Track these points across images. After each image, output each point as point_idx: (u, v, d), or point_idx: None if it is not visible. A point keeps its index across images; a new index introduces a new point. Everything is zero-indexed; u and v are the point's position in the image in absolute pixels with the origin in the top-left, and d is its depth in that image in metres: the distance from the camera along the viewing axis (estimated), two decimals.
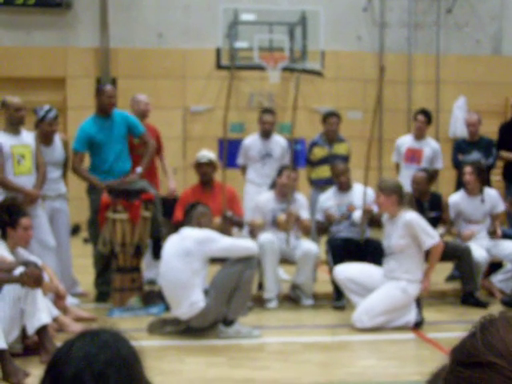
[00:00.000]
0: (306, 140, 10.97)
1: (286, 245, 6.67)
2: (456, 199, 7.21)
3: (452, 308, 6.60)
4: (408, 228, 5.80)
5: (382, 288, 5.87)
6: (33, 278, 4.70)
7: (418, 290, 5.89)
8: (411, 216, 5.83)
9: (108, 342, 1.53)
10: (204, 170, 6.94)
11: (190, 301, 5.47)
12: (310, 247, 6.74)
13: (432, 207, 7.06)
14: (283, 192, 6.86)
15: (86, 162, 7.09)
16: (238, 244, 5.68)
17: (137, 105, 7.50)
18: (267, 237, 6.62)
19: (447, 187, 9.62)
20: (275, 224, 6.80)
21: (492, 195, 7.19)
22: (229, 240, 5.68)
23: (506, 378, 1.01)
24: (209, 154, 7.04)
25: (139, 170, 6.81)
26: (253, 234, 6.80)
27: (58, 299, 5.44)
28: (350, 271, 6.10)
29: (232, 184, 7.42)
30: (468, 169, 7.11)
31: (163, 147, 7.77)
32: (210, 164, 6.93)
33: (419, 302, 5.98)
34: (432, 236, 5.84)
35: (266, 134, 7.85)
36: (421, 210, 6.47)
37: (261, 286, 6.91)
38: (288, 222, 6.70)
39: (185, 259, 5.46)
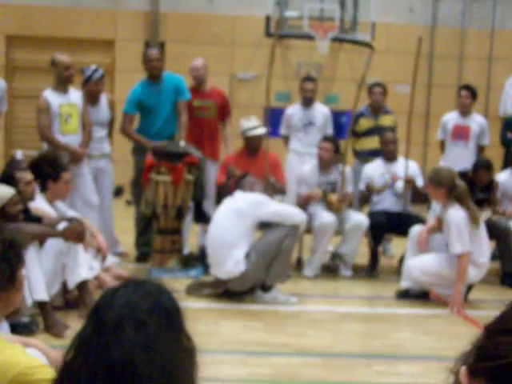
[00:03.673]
0: (352, 112, 10.86)
1: (339, 225, 6.63)
2: (502, 179, 7.07)
3: (491, 287, 6.52)
4: (446, 223, 5.70)
5: (446, 254, 5.77)
6: (75, 233, 4.77)
7: (480, 276, 5.80)
8: (453, 214, 5.64)
9: (151, 291, 1.55)
10: (256, 141, 6.94)
11: (232, 261, 5.53)
12: (360, 219, 6.69)
13: (482, 188, 6.94)
14: (324, 165, 6.83)
15: (135, 124, 7.14)
16: (288, 210, 5.80)
17: (193, 71, 7.39)
18: (329, 218, 6.58)
19: (494, 165, 9.45)
20: (324, 200, 6.75)
21: None
22: (279, 205, 5.84)
23: None
24: (257, 124, 7.01)
25: (182, 143, 6.77)
26: (302, 205, 6.70)
27: (101, 251, 5.50)
28: (422, 264, 5.82)
29: (276, 153, 7.39)
30: None
31: (229, 113, 7.55)
32: (261, 136, 6.94)
33: (471, 285, 5.92)
34: (463, 244, 5.60)
35: (307, 102, 7.81)
36: (472, 190, 6.30)
37: (300, 262, 6.89)
38: (341, 203, 6.67)
39: (235, 219, 5.57)
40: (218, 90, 7.54)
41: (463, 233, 5.61)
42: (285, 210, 5.77)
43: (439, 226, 5.91)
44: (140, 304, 1.51)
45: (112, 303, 1.51)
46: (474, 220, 5.67)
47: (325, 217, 6.56)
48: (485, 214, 6.53)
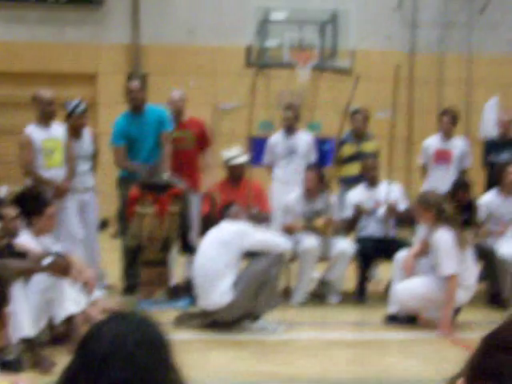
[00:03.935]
0: (335, 139, 10.92)
1: (324, 250, 6.66)
2: (488, 200, 7.12)
3: (479, 309, 6.54)
4: (434, 246, 5.73)
5: (433, 277, 5.79)
6: (60, 268, 4.75)
7: (467, 298, 5.83)
8: (441, 236, 5.69)
9: (138, 323, 1.55)
10: (238, 171, 6.97)
11: (218, 292, 5.52)
12: (346, 246, 6.74)
13: (463, 209, 6.99)
14: (309, 194, 6.87)
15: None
16: (273, 239, 5.83)
17: (170, 103, 7.43)
18: (311, 242, 6.61)
19: (476, 187, 9.52)
20: (310, 227, 6.78)
21: None
22: (264, 234, 5.84)
23: None
24: (239, 153, 7.05)
25: (165, 175, 6.77)
26: (289, 234, 6.68)
27: (88, 285, 5.44)
28: (409, 289, 5.83)
29: (260, 182, 7.41)
30: None
31: (209, 143, 7.50)
32: (243, 165, 6.98)
33: (459, 308, 5.94)
34: (452, 266, 5.64)
35: (288, 130, 7.87)
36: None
37: (288, 290, 6.88)
38: (326, 227, 6.70)
39: (221, 249, 5.57)
40: (197, 120, 7.55)
41: (451, 255, 5.65)
42: (270, 239, 5.79)
43: (425, 250, 5.95)
44: (128, 337, 1.50)
45: (99, 337, 1.51)
46: (461, 242, 5.72)
47: (308, 242, 6.58)
48: (469, 235, 6.58)
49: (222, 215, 5.97)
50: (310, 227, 6.77)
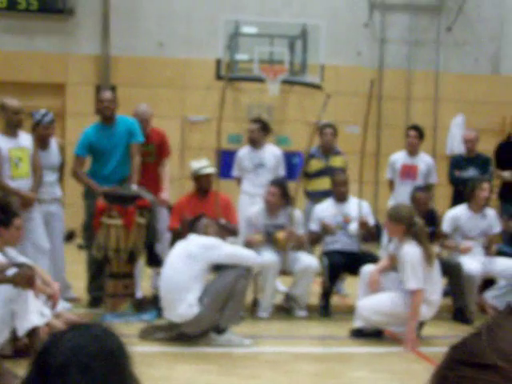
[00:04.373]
0: (303, 153, 10.98)
1: (284, 264, 6.69)
2: (456, 213, 7.17)
3: (444, 323, 6.59)
4: (401, 260, 5.78)
5: (396, 292, 5.83)
6: (25, 279, 4.68)
7: (431, 313, 5.87)
8: (408, 250, 5.72)
9: (97, 335, 1.53)
10: (205, 181, 6.96)
11: (185, 304, 5.49)
12: (310, 262, 6.75)
13: (427, 222, 7.06)
14: (270, 208, 6.88)
15: (86, 166, 7.09)
16: (242, 253, 5.82)
17: (134, 117, 7.35)
18: (270, 257, 6.62)
19: (443, 203, 9.62)
20: (271, 240, 6.78)
21: (490, 215, 7.19)
22: (233, 248, 5.82)
23: (509, 381, 1.00)
24: (207, 164, 7.06)
25: (134, 186, 6.74)
26: (250, 247, 6.72)
27: (52, 298, 5.37)
28: (373, 304, 5.86)
29: (229, 195, 7.41)
30: (486, 185, 7.06)
31: (168, 153, 7.48)
32: (211, 175, 6.98)
33: (422, 322, 5.98)
34: (418, 281, 5.66)
35: (253, 143, 7.88)
36: None
37: (255, 303, 6.88)
38: (287, 241, 6.71)
39: (188, 262, 5.54)
40: (157, 131, 7.46)
41: (417, 269, 5.67)
42: (238, 253, 5.78)
43: (391, 264, 5.99)
44: (85, 348, 1.49)
45: (57, 347, 1.49)
46: (428, 258, 5.76)
47: (267, 256, 6.58)
48: (435, 249, 6.64)
49: (191, 228, 5.94)
50: (271, 240, 6.77)
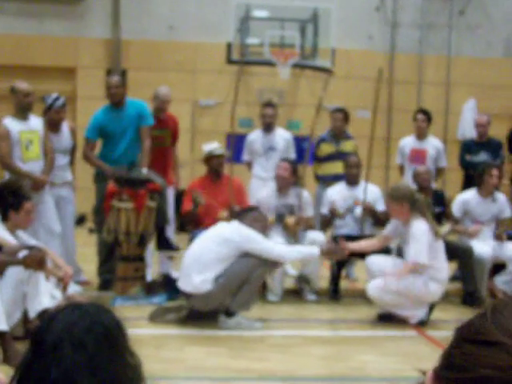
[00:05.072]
0: (310, 137, 10.96)
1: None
2: (466, 197, 7.16)
3: (454, 307, 6.60)
4: (412, 234, 5.77)
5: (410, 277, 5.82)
6: (36, 261, 4.71)
7: (439, 292, 5.88)
8: (417, 227, 5.74)
9: (89, 311, 1.55)
10: (216, 162, 6.98)
11: (200, 278, 5.52)
12: (315, 236, 6.73)
13: (435, 203, 7.08)
14: (281, 185, 6.87)
15: (97, 149, 7.12)
16: (279, 251, 5.74)
17: (157, 100, 7.32)
18: (279, 242, 6.60)
19: (454, 187, 9.60)
20: (281, 223, 6.78)
21: (501, 199, 7.17)
22: (269, 244, 5.75)
23: None
24: (218, 147, 7.08)
25: (144, 170, 6.75)
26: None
27: (63, 280, 5.40)
28: (382, 284, 5.85)
29: (239, 179, 7.42)
30: (495, 171, 7.04)
31: (178, 139, 7.62)
32: (222, 156, 6.99)
33: (433, 304, 5.98)
34: (418, 256, 5.68)
35: (267, 128, 7.88)
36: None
37: (265, 287, 6.89)
38: (296, 226, 6.71)
39: (221, 243, 5.58)
40: (172, 116, 7.53)
41: (422, 244, 5.70)
42: (276, 252, 5.70)
43: (385, 244, 6.14)
44: (77, 323, 1.50)
45: (51, 326, 1.51)
46: (435, 232, 5.79)
47: (276, 241, 6.58)
48: (443, 229, 6.64)
49: (240, 215, 5.93)
50: (281, 224, 6.77)
